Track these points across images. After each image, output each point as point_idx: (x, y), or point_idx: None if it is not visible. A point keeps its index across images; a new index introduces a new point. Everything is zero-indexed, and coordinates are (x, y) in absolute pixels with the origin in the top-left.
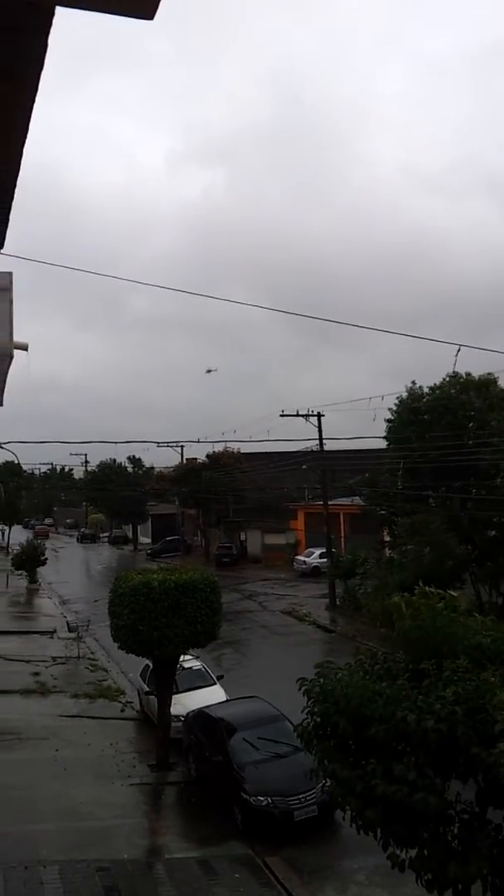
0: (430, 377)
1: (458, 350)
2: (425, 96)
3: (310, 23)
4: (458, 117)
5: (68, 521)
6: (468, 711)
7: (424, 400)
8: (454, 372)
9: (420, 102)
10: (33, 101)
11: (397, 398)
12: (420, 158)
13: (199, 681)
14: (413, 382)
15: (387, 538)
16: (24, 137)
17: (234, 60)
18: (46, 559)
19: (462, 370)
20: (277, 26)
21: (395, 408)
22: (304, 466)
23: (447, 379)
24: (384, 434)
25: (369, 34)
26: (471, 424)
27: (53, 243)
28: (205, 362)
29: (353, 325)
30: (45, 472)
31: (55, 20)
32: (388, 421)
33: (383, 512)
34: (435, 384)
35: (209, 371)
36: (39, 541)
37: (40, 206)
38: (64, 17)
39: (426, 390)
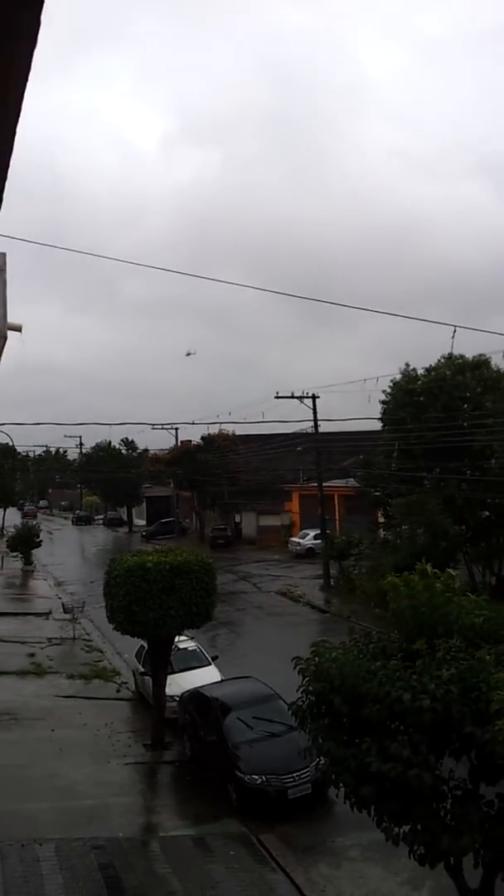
0: (423, 360)
1: (455, 331)
2: (421, 81)
3: (305, 5)
4: (452, 102)
5: (63, 503)
6: (462, 691)
7: (419, 381)
8: (449, 353)
9: (415, 87)
10: (26, 78)
11: (392, 380)
12: (414, 142)
13: (193, 661)
14: (407, 364)
15: (381, 519)
16: (18, 116)
17: (230, 43)
18: (41, 541)
19: (456, 352)
20: (273, 9)
21: (389, 389)
22: (298, 448)
23: (442, 360)
24: (379, 416)
25: (366, 18)
26: (465, 406)
27: (47, 225)
28: (200, 345)
29: (349, 307)
30: (39, 455)
31: None
32: (383, 402)
33: (378, 493)
34: (430, 366)
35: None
36: (27, 520)
37: (33, 188)
38: None
39: (421, 372)
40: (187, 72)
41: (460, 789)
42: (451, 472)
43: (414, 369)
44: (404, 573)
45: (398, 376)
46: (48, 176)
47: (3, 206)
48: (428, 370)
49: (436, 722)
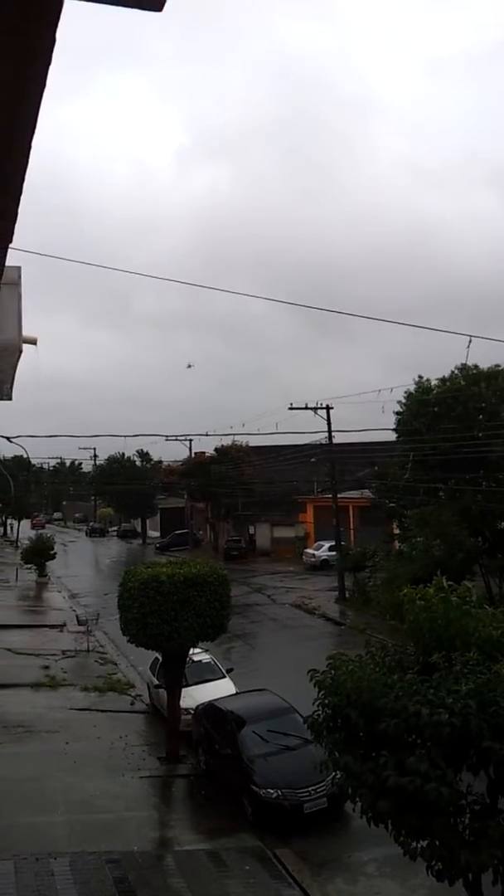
0: (435, 370)
1: (470, 341)
2: (430, 94)
3: (314, 22)
4: (462, 114)
5: (77, 515)
6: (480, 705)
7: (434, 392)
8: (463, 364)
9: (424, 100)
10: (41, 95)
11: (406, 391)
12: (424, 154)
13: (208, 674)
14: (420, 376)
15: (396, 531)
16: (33, 131)
17: (240, 60)
18: (55, 553)
19: (470, 362)
20: (283, 26)
21: (404, 400)
22: (312, 459)
23: (456, 371)
24: (394, 426)
25: (374, 31)
26: (480, 416)
27: (61, 239)
28: (212, 357)
29: (363, 317)
30: (54, 467)
31: (63, 14)
32: (398, 413)
33: (393, 504)
34: (444, 376)
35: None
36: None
37: (48, 204)
38: (71, 14)
39: (435, 382)
40: (199, 88)
41: (479, 804)
42: (467, 484)
43: (428, 380)
44: (420, 585)
45: (412, 387)
46: (62, 191)
47: (17, 220)
48: (442, 381)
49: (454, 736)
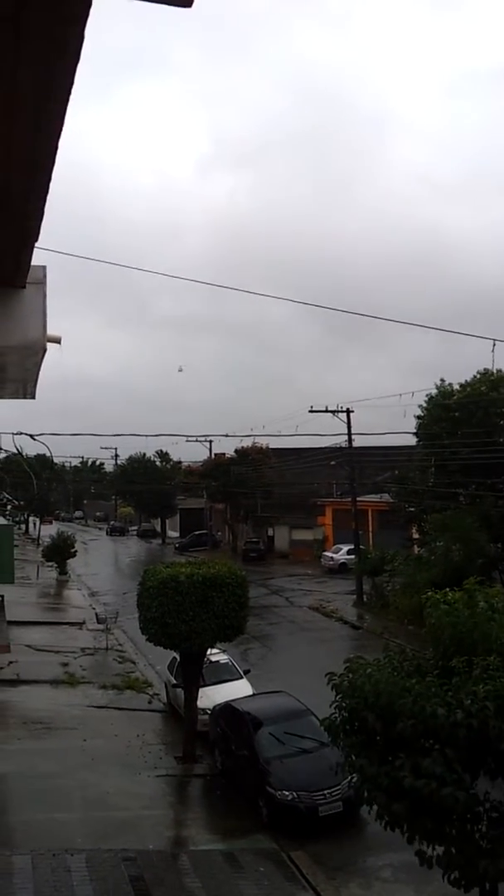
0: (454, 377)
1: (494, 345)
2: (448, 104)
3: (335, 35)
4: (479, 126)
5: (98, 514)
6: (499, 708)
7: (455, 397)
8: (485, 369)
9: (441, 113)
10: (69, 93)
11: (427, 395)
12: (441, 165)
13: (225, 674)
14: (442, 380)
15: (415, 535)
16: (60, 128)
17: (262, 70)
18: (76, 551)
19: (491, 368)
20: (304, 38)
21: (424, 405)
22: (332, 462)
23: (478, 376)
24: (414, 431)
25: (392, 46)
26: (502, 422)
27: (86, 243)
28: (233, 359)
29: (386, 320)
30: (75, 466)
31: (92, 11)
32: (418, 417)
33: (412, 509)
34: (465, 381)
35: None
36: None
37: (73, 208)
38: (97, 21)
39: (456, 387)
40: (221, 98)
41: (497, 811)
42: (488, 489)
43: (450, 384)
44: (444, 589)
45: (433, 391)
46: (84, 199)
47: (43, 222)
48: (463, 385)
49: (471, 739)
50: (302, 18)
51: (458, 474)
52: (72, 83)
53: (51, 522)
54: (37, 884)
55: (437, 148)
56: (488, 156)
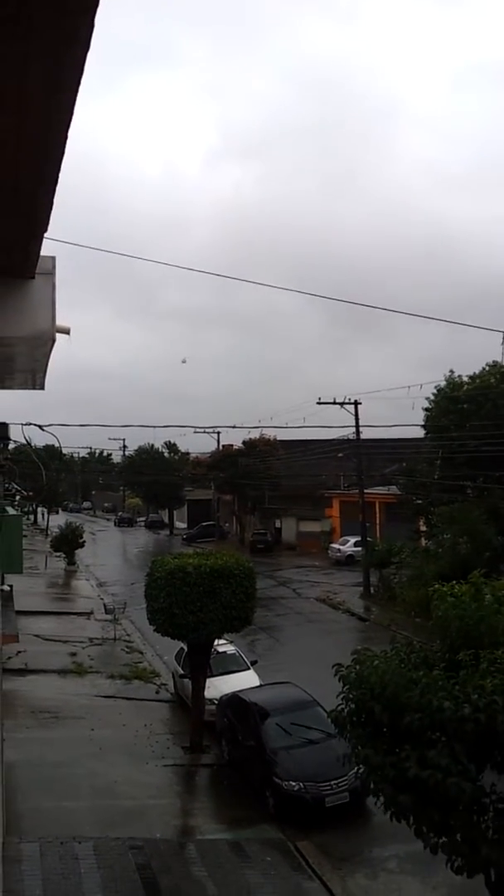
0: (461, 369)
1: None
2: (454, 96)
3: (343, 27)
4: (485, 118)
5: (106, 504)
6: None
7: (464, 389)
8: (495, 361)
9: (447, 105)
10: (79, 83)
11: (436, 387)
12: (448, 156)
13: (233, 665)
14: (451, 371)
15: (423, 528)
16: (70, 118)
17: (270, 62)
18: (84, 542)
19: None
20: (311, 30)
21: (433, 397)
22: (340, 454)
23: (487, 368)
24: (422, 423)
25: (400, 38)
26: None
27: (94, 234)
28: (241, 351)
29: (395, 311)
30: (84, 456)
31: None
32: (426, 410)
33: (420, 501)
34: (474, 373)
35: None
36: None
37: (81, 199)
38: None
39: (465, 379)
40: (228, 89)
41: (503, 803)
42: (496, 482)
43: (459, 376)
44: (451, 582)
45: (442, 383)
46: (95, 188)
47: (53, 209)
48: (472, 378)
49: (478, 733)
50: (310, 10)
51: (466, 467)
52: (81, 74)
53: (57, 512)
54: (45, 871)
55: (443, 139)
56: (495, 147)
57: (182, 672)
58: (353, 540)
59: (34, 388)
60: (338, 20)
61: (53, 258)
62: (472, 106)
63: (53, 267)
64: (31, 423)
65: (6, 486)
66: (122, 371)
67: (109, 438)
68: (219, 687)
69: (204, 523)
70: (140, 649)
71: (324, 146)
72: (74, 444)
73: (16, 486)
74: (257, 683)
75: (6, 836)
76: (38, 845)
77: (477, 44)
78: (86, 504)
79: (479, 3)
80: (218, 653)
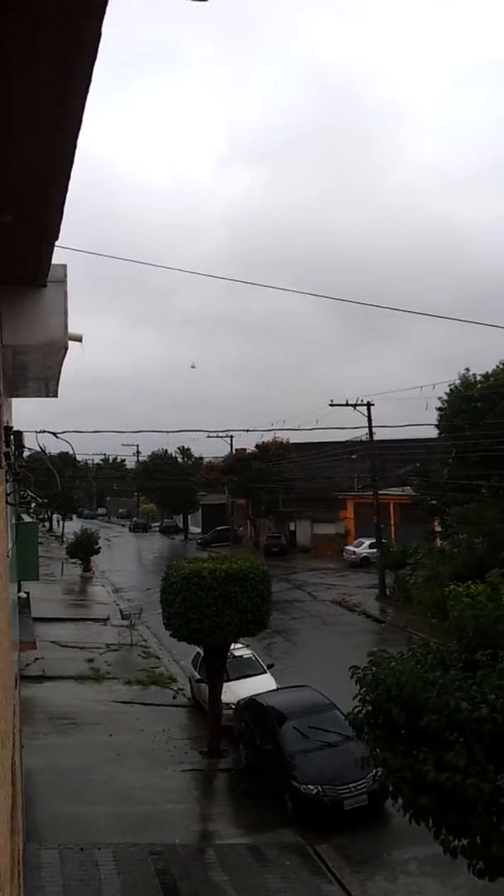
0: (474, 368)
1: None
2: (460, 97)
3: (349, 32)
4: (490, 118)
5: (121, 510)
6: None
7: (478, 387)
8: None
9: (453, 108)
10: (87, 89)
11: (450, 385)
12: (454, 158)
13: (249, 669)
14: (466, 370)
15: (438, 528)
16: (79, 126)
17: (276, 67)
18: (100, 548)
19: None
20: (318, 35)
21: (446, 396)
22: (353, 456)
23: (500, 366)
24: (436, 423)
25: (406, 43)
26: None
27: (104, 242)
28: (253, 355)
29: (408, 311)
30: (98, 463)
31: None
32: (440, 409)
33: (434, 502)
34: (487, 372)
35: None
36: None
37: (91, 208)
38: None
39: (479, 378)
40: (236, 95)
41: None
42: None
43: (473, 375)
44: (466, 582)
45: (456, 382)
46: (104, 196)
47: (63, 218)
48: (486, 376)
49: (496, 733)
50: (317, 16)
51: (480, 466)
52: (90, 77)
53: (70, 519)
54: (65, 877)
55: (449, 140)
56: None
57: (199, 677)
58: (367, 542)
59: (48, 396)
60: (344, 25)
61: (65, 266)
62: (477, 105)
63: (65, 275)
64: (45, 431)
65: (22, 493)
66: (135, 378)
67: (123, 444)
68: (235, 691)
69: (218, 527)
70: (156, 654)
71: (331, 150)
72: (88, 450)
73: (31, 494)
74: (274, 687)
75: (26, 842)
76: (58, 852)
77: (481, 44)
78: (100, 510)
79: (479, 3)
80: (234, 657)
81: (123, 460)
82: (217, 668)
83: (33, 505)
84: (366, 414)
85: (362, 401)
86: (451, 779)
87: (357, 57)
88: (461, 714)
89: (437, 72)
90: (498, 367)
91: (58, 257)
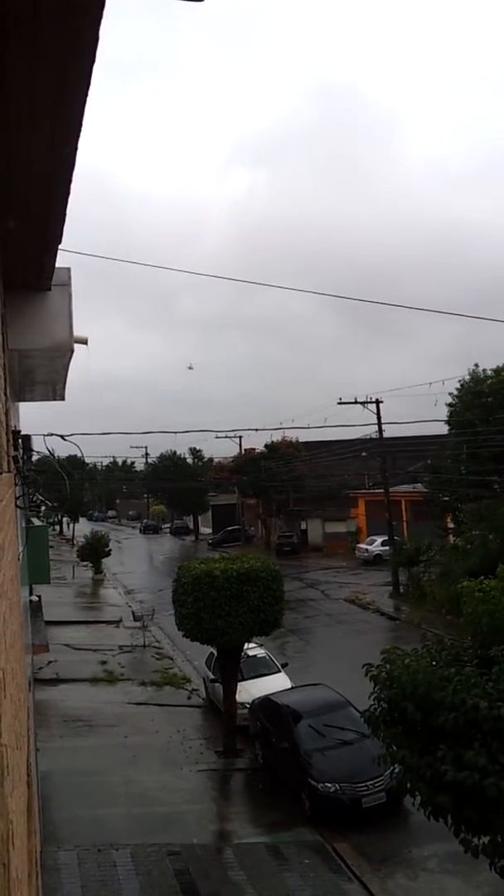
0: (483, 364)
1: None
2: (464, 95)
3: (350, 31)
4: (494, 116)
5: (130, 512)
6: None
7: (488, 383)
8: None
9: (458, 101)
10: (86, 93)
11: (460, 381)
12: (461, 156)
13: (263, 668)
14: (476, 365)
15: (450, 525)
16: (79, 129)
17: (278, 66)
18: (111, 550)
19: None
20: (318, 36)
21: (456, 392)
22: (363, 454)
23: None
24: (446, 419)
25: (407, 45)
26: None
27: (108, 247)
28: (260, 355)
29: (415, 309)
30: (107, 465)
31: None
32: (450, 405)
33: (446, 498)
34: (497, 366)
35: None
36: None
37: (93, 213)
38: (115, 24)
39: (489, 373)
40: (237, 97)
41: None
42: None
43: (483, 370)
44: (480, 578)
45: (466, 377)
46: (105, 203)
47: (66, 223)
48: (496, 371)
49: None
50: (316, 15)
51: (492, 461)
52: (89, 82)
53: (78, 521)
54: (83, 879)
55: (452, 137)
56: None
57: (213, 677)
58: (380, 539)
59: (55, 399)
60: (347, 24)
61: (69, 269)
62: (481, 104)
63: (69, 278)
64: (52, 434)
65: (31, 497)
66: (142, 379)
67: (131, 446)
68: (250, 690)
69: (229, 528)
70: (170, 655)
71: (332, 149)
72: (97, 453)
73: (40, 497)
74: (289, 686)
75: (44, 845)
76: (76, 853)
77: (478, 44)
78: (110, 513)
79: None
80: (248, 656)
81: (133, 462)
82: (231, 668)
83: (43, 508)
84: (375, 412)
85: (371, 398)
86: (471, 777)
87: (357, 57)
88: (479, 712)
89: (442, 70)
90: None
91: (62, 261)
